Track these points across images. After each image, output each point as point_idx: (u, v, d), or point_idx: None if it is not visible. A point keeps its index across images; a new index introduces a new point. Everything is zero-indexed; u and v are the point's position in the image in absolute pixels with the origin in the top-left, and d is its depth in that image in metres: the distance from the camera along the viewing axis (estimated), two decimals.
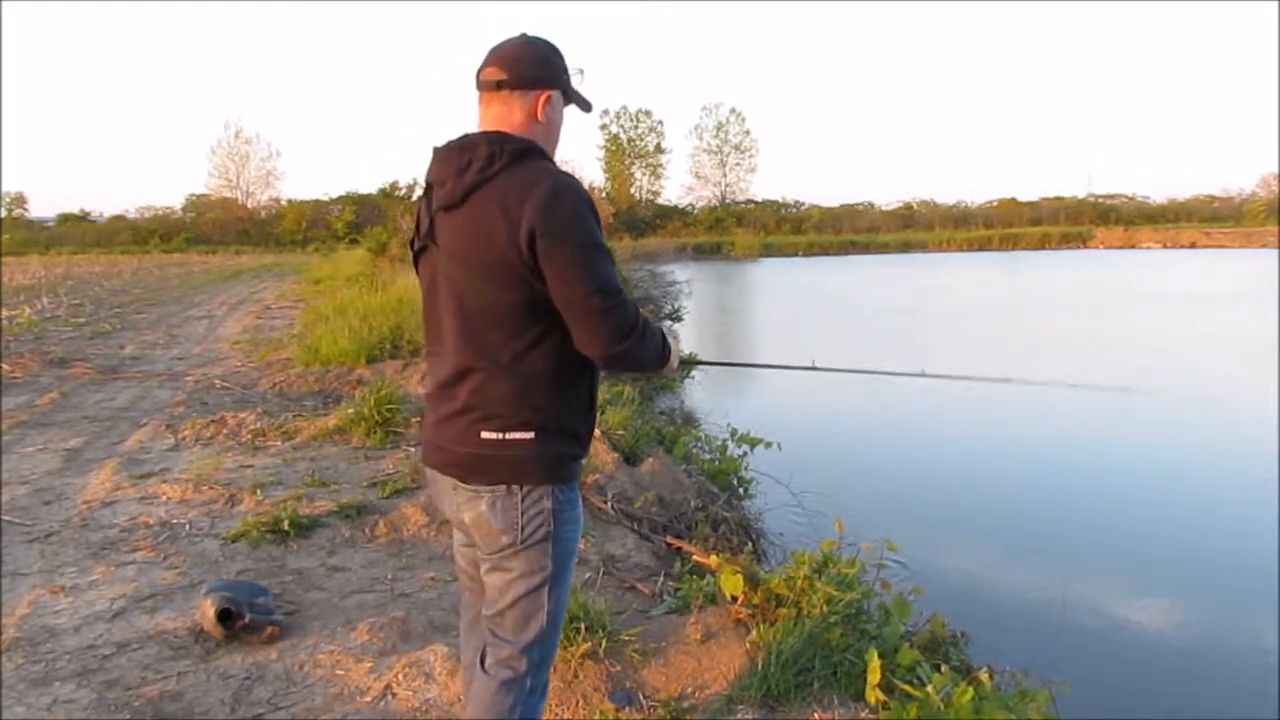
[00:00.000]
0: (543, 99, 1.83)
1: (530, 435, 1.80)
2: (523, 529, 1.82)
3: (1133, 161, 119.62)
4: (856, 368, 2.83)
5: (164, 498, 4.81)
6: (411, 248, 1.96)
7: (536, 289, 1.73)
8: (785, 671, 2.72)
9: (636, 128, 68.10)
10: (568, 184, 1.73)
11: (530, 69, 1.83)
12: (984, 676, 2.62)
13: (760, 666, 2.78)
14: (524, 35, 1.88)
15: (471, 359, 1.80)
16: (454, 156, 1.79)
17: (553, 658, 1.99)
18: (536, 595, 1.86)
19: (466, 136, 1.82)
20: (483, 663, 1.94)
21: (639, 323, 1.79)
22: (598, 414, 2.02)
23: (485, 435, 1.80)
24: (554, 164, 1.84)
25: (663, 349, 1.92)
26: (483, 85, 1.84)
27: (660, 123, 68.19)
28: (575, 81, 1.92)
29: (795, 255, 51.99)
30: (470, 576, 2.07)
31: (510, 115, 1.83)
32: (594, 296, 1.71)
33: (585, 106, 1.96)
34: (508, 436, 1.80)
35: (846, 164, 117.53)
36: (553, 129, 1.89)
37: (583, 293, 1.72)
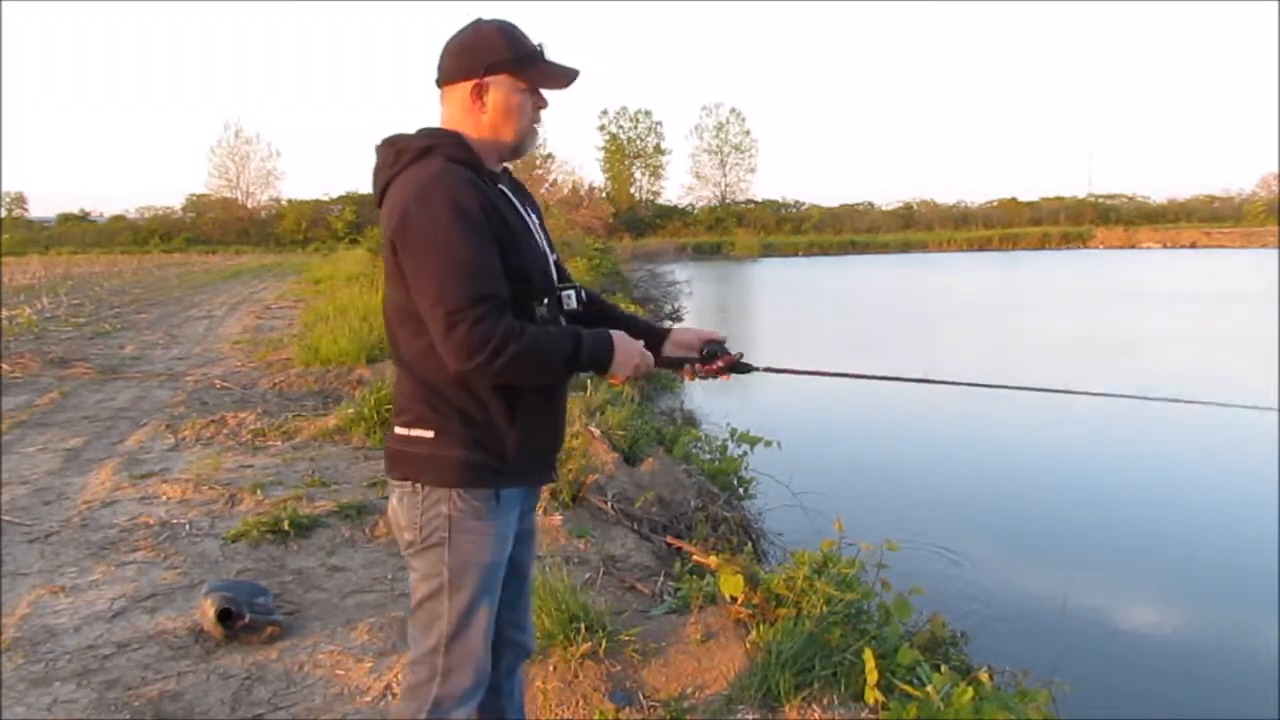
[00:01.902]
0: (469, 89, 1.76)
1: (430, 434, 1.77)
2: (421, 529, 1.79)
3: (1133, 161, 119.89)
4: (979, 381, 2.58)
5: (164, 498, 4.81)
6: None
7: None
8: (785, 671, 2.72)
9: (636, 128, 68.16)
10: (440, 186, 1.66)
11: (450, 62, 1.78)
12: (984, 676, 2.62)
13: (760, 666, 2.78)
14: (468, 25, 1.81)
15: (393, 354, 1.86)
16: (380, 153, 1.80)
17: (477, 675, 1.84)
18: (435, 601, 1.80)
19: (390, 135, 1.80)
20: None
21: (506, 341, 1.62)
22: (544, 432, 1.86)
23: (398, 430, 1.82)
24: (451, 157, 1.71)
25: (566, 362, 1.73)
26: None
27: (660, 123, 68.32)
28: (536, 56, 1.79)
29: (795, 255, 51.99)
30: None
31: (449, 112, 1.81)
32: (436, 309, 1.64)
33: (554, 81, 1.82)
34: (411, 433, 1.79)
35: (846, 164, 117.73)
36: (499, 118, 1.78)
37: (426, 305, 1.66)
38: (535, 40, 1.81)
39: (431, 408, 1.76)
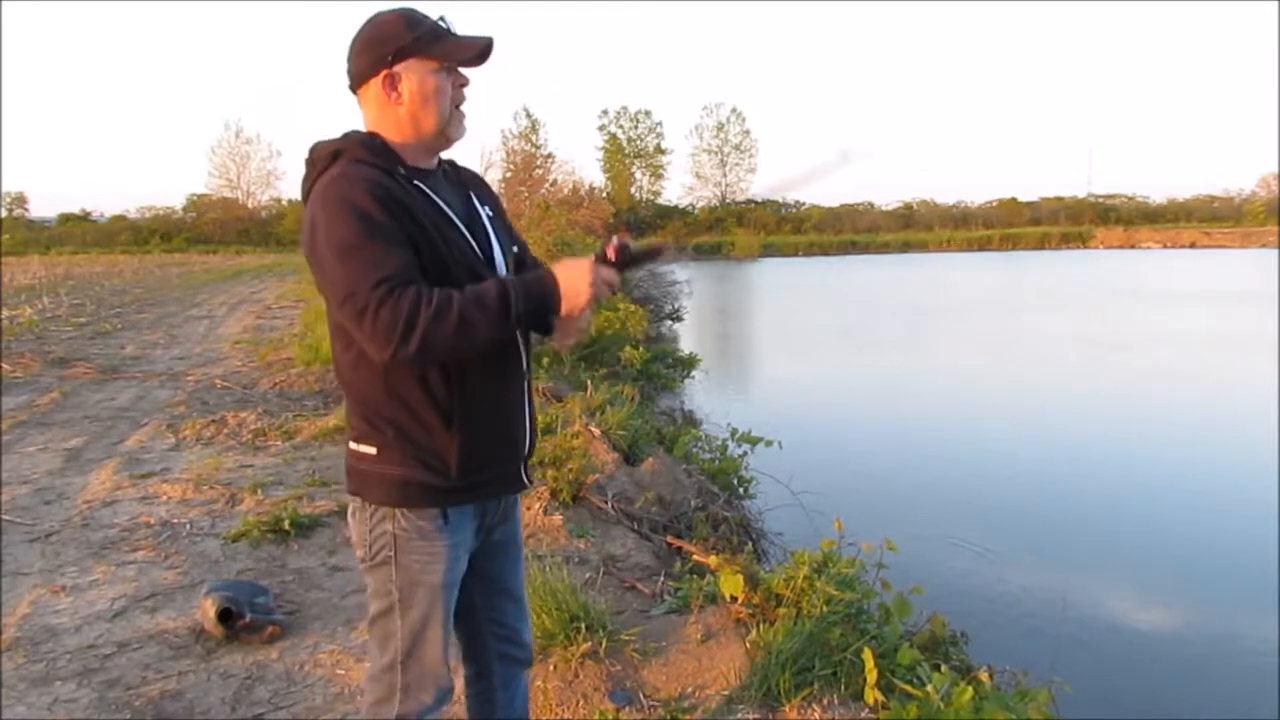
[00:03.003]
0: (381, 83, 1.68)
1: (373, 450, 1.71)
2: (369, 546, 1.75)
3: (1133, 161, 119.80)
4: None
5: (164, 497, 4.81)
6: None
7: None
8: (785, 671, 2.72)
9: (636, 128, 68.13)
10: (336, 191, 1.59)
11: (358, 59, 1.70)
12: (984, 676, 2.62)
13: (760, 666, 2.78)
14: (365, 22, 1.72)
15: (334, 371, 1.84)
16: (306, 163, 1.74)
17: (431, 689, 1.79)
18: (387, 619, 1.76)
19: (314, 142, 1.75)
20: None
21: (415, 312, 1.51)
22: (493, 442, 1.77)
23: (350, 444, 1.78)
24: (371, 159, 1.64)
25: (497, 313, 1.57)
26: None
27: (660, 123, 68.28)
28: (440, 32, 1.68)
29: (795, 255, 51.97)
30: None
31: (367, 112, 1.73)
32: (345, 306, 1.55)
33: (462, 54, 1.70)
34: (359, 449, 1.74)
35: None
36: (418, 104, 1.68)
37: (335, 305, 1.60)
38: (436, 16, 1.71)
39: (370, 424, 1.71)
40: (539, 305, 1.62)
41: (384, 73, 1.67)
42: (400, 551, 1.72)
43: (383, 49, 1.67)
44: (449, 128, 1.73)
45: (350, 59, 1.71)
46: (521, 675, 2.10)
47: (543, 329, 1.77)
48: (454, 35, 1.70)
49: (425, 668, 1.78)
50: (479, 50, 1.71)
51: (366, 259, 1.54)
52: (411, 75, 1.67)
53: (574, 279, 1.63)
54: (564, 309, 1.64)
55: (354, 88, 1.73)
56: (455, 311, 1.54)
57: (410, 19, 1.68)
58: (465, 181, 1.85)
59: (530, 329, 1.79)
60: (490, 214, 1.84)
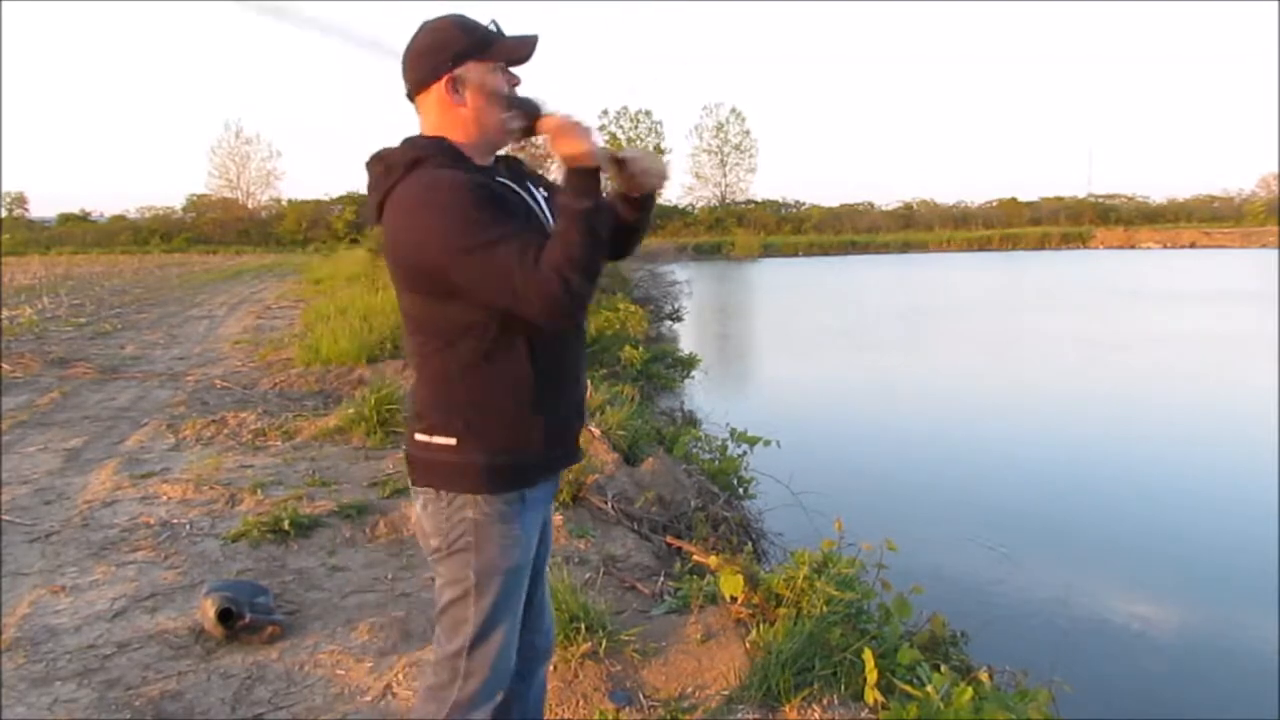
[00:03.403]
0: (444, 86, 1.74)
1: (452, 441, 1.76)
2: (446, 535, 1.79)
3: (1133, 161, 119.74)
4: None
5: (164, 498, 4.81)
6: None
7: (443, 296, 1.70)
8: (785, 671, 2.72)
9: (637, 128, 68.08)
10: (434, 197, 1.65)
11: (420, 66, 1.76)
12: (984, 676, 2.62)
13: (760, 666, 2.78)
14: (419, 26, 1.79)
15: (411, 362, 1.85)
16: (369, 170, 1.79)
17: (496, 676, 1.85)
18: (460, 605, 1.81)
19: (378, 150, 1.79)
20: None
21: (563, 262, 1.59)
22: (567, 413, 1.86)
23: (418, 437, 1.81)
24: (442, 163, 1.70)
25: (600, 227, 1.67)
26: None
27: (660, 123, 68.23)
28: (492, 34, 1.76)
29: (795, 255, 51.97)
30: None
31: (429, 118, 1.79)
32: (503, 293, 1.62)
33: (516, 53, 1.79)
34: (433, 440, 1.78)
35: (846, 164, 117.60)
36: (478, 106, 1.76)
37: (494, 299, 1.65)
38: (487, 20, 1.79)
39: (451, 413, 1.76)
40: (593, 183, 1.69)
41: (447, 77, 1.74)
42: (480, 538, 1.77)
43: (443, 54, 1.74)
44: (508, 124, 1.80)
45: (408, 68, 1.78)
46: (541, 667, 2.13)
47: (630, 200, 1.87)
48: (507, 36, 1.78)
49: (491, 653, 1.83)
50: (531, 49, 1.80)
51: (500, 245, 1.61)
52: (472, 77, 1.75)
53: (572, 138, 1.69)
54: (636, 179, 1.80)
55: (413, 95, 1.80)
56: (579, 240, 1.62)
57: (464, 24, 1.76)
58: (519, 172, 1.93)
59: (623, 206, 1.89)
60: (545, 195, 1.91)
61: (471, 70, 1.75)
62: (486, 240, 1.62)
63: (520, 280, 1.60)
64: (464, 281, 1.65)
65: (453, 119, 1.77)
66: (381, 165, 1.75)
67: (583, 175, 1.68)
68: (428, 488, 1.81)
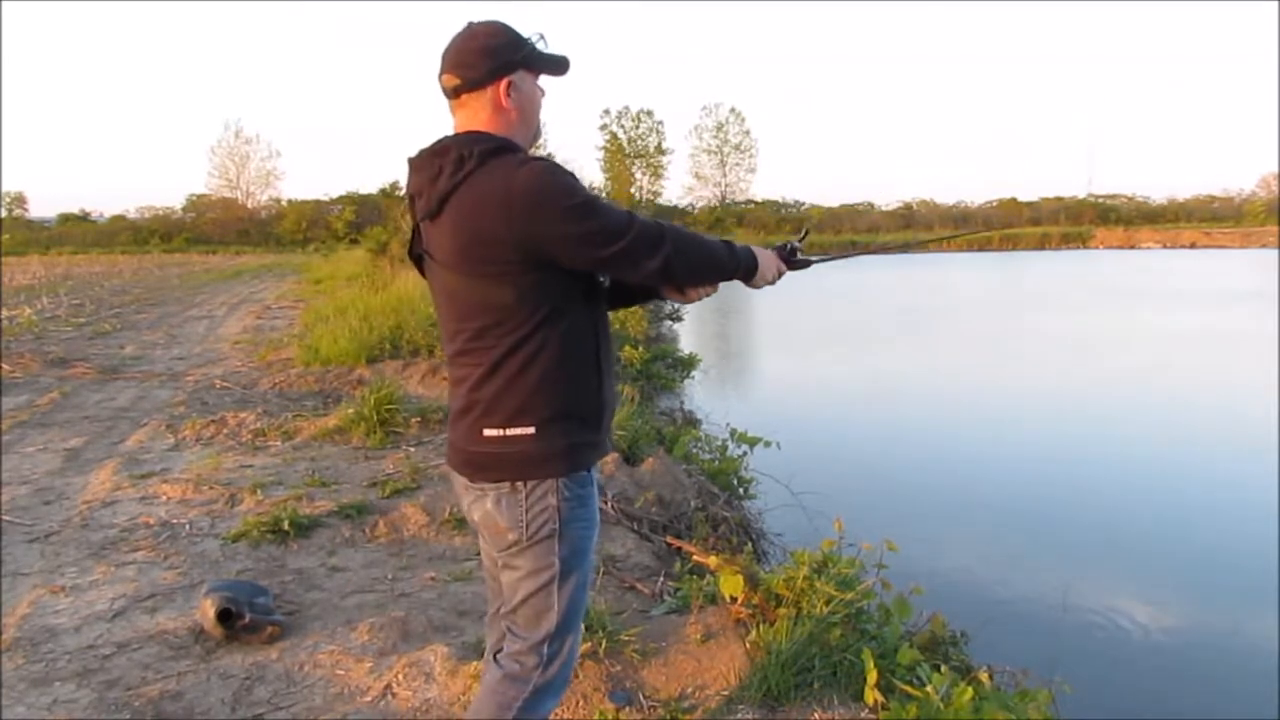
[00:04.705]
0: (502, 89, 1.80)
1: (530, 430, 1.78)
2: (528, 526, 1.81)
3: (1133, 161, 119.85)
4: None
5: (164, 498, 4.81)
6: (411, 255, 1.96)
7: (526, 282, 1.73)
8: (785, 671, 2.72)
9: (637, 128, 68.10)
10: (538, 169, 1.72)
11: (478, 66, 1.79)
12: (984, 676, 2.62)
13: (760, 666, 2.78)
14: (469, 27, 1.83)
15: (470, 358, 1.82)
16: (426, 164, 1.79)
17: (571, 657, 1.94)
18: (546, 593, 1.85)
19: (438, 142, 1.81)
20: (496, 655, 1.95)
21: (663, 229, 1.79)
22: (613, 394, 1.97)
23: (487, 433, 1.80)
24: (525, 153, 1.81)
25: (725, 256, 1.91)
26: (445, 93, 1.84)
27: (661, 123, 68.22)
28: (539, 48, 1.86)
29: None
30: (491, 574, 2.06)
31: (478, 115, 1.81)
32: (610, 246, 1.74)
33: (557, 69, 1.90)
34: (508, 432, 1.79)
35: (846, 164, 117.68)
36: (525, 111, 1.85)
37: (598, 253, 1.74)
38: (535, 34, 1.87)
39: (529, 402, 1.78)
40: (749, 264, 1.96)
41: (506, 80, 1.80)
42: (564, 522, 1.83)
43: (502, 58, 1.80)
44: (539, 132, 1.94)
45: (464, 66, 1.80)
46: None
47: (743, 278, 2.03)
48: (550, 54, 1.88)
49: (574, 639, 1.94)
50: (567, 67, 1.92)
51: (605, 209, 1.75)
52: (524, 85, 1.84)
53: (769, 260, 2.01)
54: (755, 279, 2.00)
55: (463, 91, 1.81)
56: (689, 236, 1.86)
57: (517, 34, 1.84)
58: None
59: (735, 278, 2.04)
60: None
61: (524, 78, 1.83)
62: (590, 203, 1.73)
63: (630, 229, 1.74)
64: (580, 232, 1.71)
65: (503, 120, 1.81)
66: (447, 157, 1.75)
67: (748, 276, 1.99)
68: (501, 482, 1.81)
